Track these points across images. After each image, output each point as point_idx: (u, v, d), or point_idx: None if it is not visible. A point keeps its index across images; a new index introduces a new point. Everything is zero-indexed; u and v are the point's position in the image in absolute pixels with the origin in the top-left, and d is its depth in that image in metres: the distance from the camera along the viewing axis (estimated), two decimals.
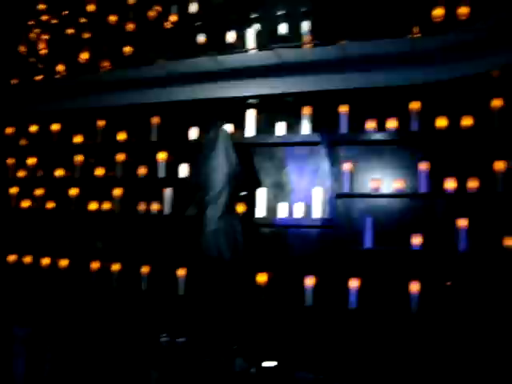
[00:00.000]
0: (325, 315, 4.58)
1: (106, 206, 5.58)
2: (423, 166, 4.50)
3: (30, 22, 6.21)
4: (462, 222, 4.30)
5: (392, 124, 4.63)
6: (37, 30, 6.13)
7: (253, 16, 5.12)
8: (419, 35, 4.38)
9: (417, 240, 4.40)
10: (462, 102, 4.54)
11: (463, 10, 4.42)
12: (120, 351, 4.70)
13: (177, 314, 5.02)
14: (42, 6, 6.17)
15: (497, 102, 4.36)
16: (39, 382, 4.57)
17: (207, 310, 4.61)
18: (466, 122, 4.42)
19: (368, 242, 4.54)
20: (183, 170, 5.29)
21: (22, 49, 6.19)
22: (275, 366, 4.23)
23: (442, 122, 4.49)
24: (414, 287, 4.33)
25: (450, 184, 4.39)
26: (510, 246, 4.13)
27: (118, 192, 5.55)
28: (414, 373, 4.23)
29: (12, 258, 5.95)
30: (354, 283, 4.50)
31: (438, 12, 4.47)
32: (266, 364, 4.24)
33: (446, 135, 4.51)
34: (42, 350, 4.65)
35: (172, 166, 5.36)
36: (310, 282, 4.64)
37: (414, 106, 4.60)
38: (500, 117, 4.34)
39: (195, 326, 4.72)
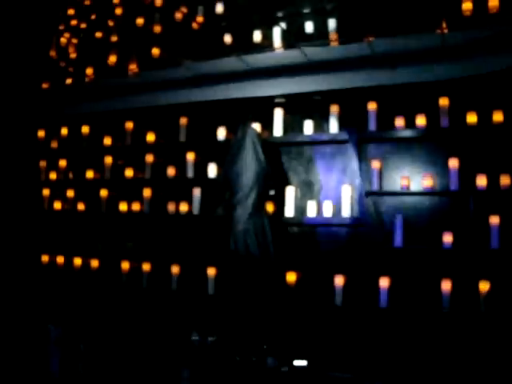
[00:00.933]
0: (355, 314, 4.55)
1: (136, 206, 5.64)
2: (453, 163, 4.44)
3: (60, 27, 6.31)
4: (494, 219, 4.23)
5: (421, 121, 4.58)
6: (66, 35, 6.24)
7: (278, 15, 5.12)
8: (447, 30, 4.31)
9: (448, 238, 4.35)
10: (492, 97, 4.47)
11: (493, 3, 4.33)
12: (152, 350, 4.74)
13: (207, 313, 5.04)
14: (71, 11, 6.28)
15: None
16: (74, 379, 4.64)
17: (237, 309, 4.62)
18: (497, 117, 4.35)
19: (398, 241, 4.50)
20: (212, 170, 5.31)
21: (53, 53, 6.29)
22: (306, 365, 4.22)
23: (471, 118, 4.43)
24: (446, 286, 4.28)
25: (481, 181, 4.33)
26: None
27: (147, 193, 5.61)
28: (445, 371, 4.17)
29: (45, 258, 6.06)
30: (384, 282, 4.46)
31: (467, 6, 4.40)
32: (297, 363, 4.24)
33: (476, 131, 4.45)
34: (75, 349, 4.73)
35: (201, 166, 5.40)
36: (339, 281, 4.61)
37: (443, 102, 4.54)
38: None
39: (225, 325, 4.73)
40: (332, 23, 4.84)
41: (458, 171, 4.42)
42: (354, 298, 4.59)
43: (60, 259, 5.97)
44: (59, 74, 6.24)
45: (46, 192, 6.27)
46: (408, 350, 4.33)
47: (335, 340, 4.57)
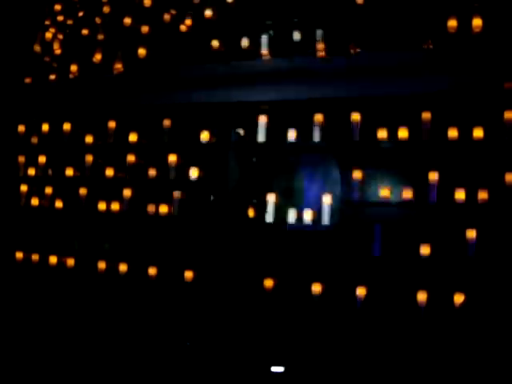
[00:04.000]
0: (331, 322, 4.58)
1: (115, 206, 5.60)
2: (433, 176, 4.51)
3: (46, 22, 6.25)
4: (471, 233, 4.31)
5: (403, 133, 4.65)
6: (52, 30, 6.18)
7: (267, 23, 5.15)
8: (431, 46, 4.40)
9: (425, 250, 4.41)
10: (474, 113, 4.56)
11: (477, 23, 4.44)
12: (125, 350, 4.72)
13: (182, 316, 5.02)
14: (58, 7, 6.23)
15: (509, 115, 4.37)
16: None
17: (214, 316, 4.62)
18: (477, 133, 4.44)
19: (376, 250, 4.55)
20: (194, 173, 5.31)
21: (37, 48, 6.23)
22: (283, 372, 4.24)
23: (452, 133, 4.51)
24: (421, 297, 4.33)
25: (460, 195, 4.41)
26: None
27: (127, 193, 5.57)
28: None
29: (19, 255, 5.97)
30: (361, 291, 4.51)
31: (452, 23, 4.50)
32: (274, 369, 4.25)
33: (457, 146, 4.53)
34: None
35: (182, 169, 5.39)
36: (316, 288, 4.64)
37: (426, 116, 4.61)
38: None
39: (200, 329, 4.72)
40: (319, 33, 4.89)
41: (438, 184, 4.49)
42: (331, 305, 4.62)
43: (35, 256, 5.89)
44: (43, 69, 6.18)
45: (23, 188, 6.17)
46: (384, 358, 4.37)
47: (310, 348, 4.59)
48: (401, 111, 4.76)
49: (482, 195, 4.32)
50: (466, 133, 4.46)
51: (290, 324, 4.69)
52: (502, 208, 4.28)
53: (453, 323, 4.23)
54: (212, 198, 4.73)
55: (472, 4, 4.48)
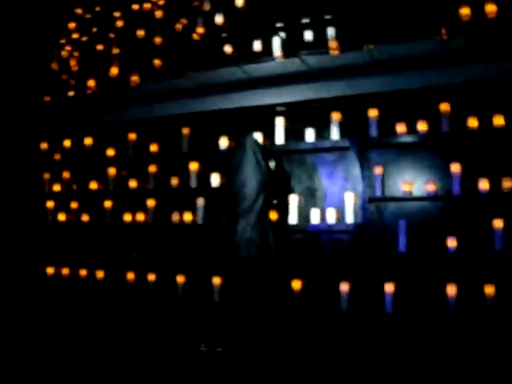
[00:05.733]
0: (361, 320, 4.56)
1: (140, 217, 5.66)
2: (455, 168, 4.46)
3: (61, 40, 6.35)
4: (498, 223, 4.25)
5: (422, 126, 4.61)
6: (68, 48, 6.28)
7: (278, 25, 5.14)
8: (446, 36, 4.34)
9: (452, 242, 4.37)
10: (493, 101, 4.50)
11: (491, 9, 4.36)
12: (160, 360, 4.76)
13: (213, 322, 5.05)
14: (72, 25, 6.32)
15: None
16: None
17: (243, 319, 4.63)
18: (498, 121, 4.38)
19: (402, 246, 4.51)
20: (215, 180, 5.34)
21: (54, 66, 6.33)
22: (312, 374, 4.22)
23: (473, 123, 4.46)
24: (451, 290, 4.29)
25: (484, 185, 4.35)
26: None
27: (151, 203, 5.64)
28: (452, 376, 4.17)
29: (50, 270, 6.08)
30: (389, 288, 4.48)
31: (465, 11, 4.41)
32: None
33: (478, 135, 4.48)
34: (83, 363, 4.74)
35: (204, 176, 5.43)
36: (344, 287, 4.63)
37: (444, 107, 4.57)
38: None
39: (232, 334, 4.73)
40: (331, 31, 4.86)
41: (460, 175, 4.44)
42: (360, 303, 4.60)
43: (65, 271, 5.99)
44: (61, 86, 6.27)
45: (49, 204, 6.29)
46: (415, 355, 4.33)
47: (343, 347, 4.57)
48: (419, 104, 4.73)
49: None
50: (485, 122, 4.41)
51: (319, 323, 4.68)
52: None
53: (483, 315, 4.18)
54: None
55: None
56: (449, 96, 4.60)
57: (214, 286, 5.10)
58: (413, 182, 4.63)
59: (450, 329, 4.27)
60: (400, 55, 4.56)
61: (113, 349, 5.01)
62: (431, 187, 4.52)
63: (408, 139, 4.66)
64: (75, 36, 6.30)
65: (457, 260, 4.41)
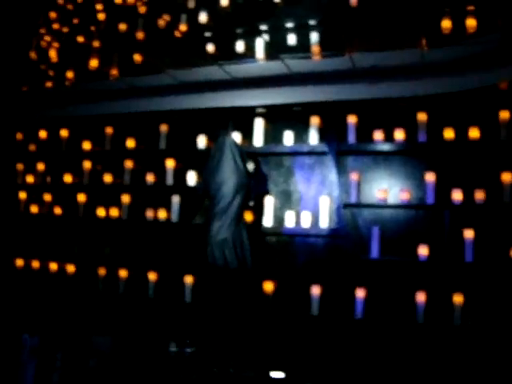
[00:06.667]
0: (331, 325, 4.60)
1: (114, 212, 5.61)
2: (430, 177, 4.54)
3: (41, 30, 6.26)
4: (469, 233, 4.33)
5: (399, 135, 4.67)
6: (48, 38, 6.18)
7: (262, 27, 5.14)
8: (426, 48, 4.40)
9: (423, 250, 4.44)
10: (469, 113, 4.58)
11: (471, 23, 4.43)
12: (129, 359, 4.71)
13: (184, 322, 5.03)
14: (53, 15, 6.23)
15: (504, 114, 4.40)
16: None
17: (214, 319, 4.62)
18: (473, 133, 4.47)
19: (374, 252, 4.57)
20: (191, 178, 5.33)
21: (33, 56, 6.24)
22: (284, 377, 4.23)
23: (449, 134, 4.54)
24: (421, 297, 4.35)
25: (457, 195, 4.43)
26: None
27: (126, 199, 5.60)
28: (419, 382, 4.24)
29: (20, 262, 5.99)
30: (360, 293, 4.52)
31: (446, 24, 4.49)
32: (274, 375, 4.24)
33: (453, 146, 4.56)
34: (50, 359, 4.67)
35: (180, 174, 5.41)
36: (316, 291, 4.66)
37: (422, 117, 4.64)
38: (507, 129, 4.38)
39: (203, 335, 4.72)
40: (315, 36, 4.88)
41: (435, 185, 4.51)
42: (331, 308, 4.64)
43: (35, 263, 5.90)
44: (39, 76, 6.18)
45: (22, 195, 6.20)
46: (383, 360, 4.38)
47: (311, 350, 4.60)
48: (397, 113, 4.79)
49: None
50: (461, 133, 4.49)
51: (289, 325, 4.70)
52: None
53: (451, 323, 4.25)
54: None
55: None
56: (427, 106, 4.66)
57: (186, 284, 5.09)
58: (388, 190, 4.69)
59: (418, 335, 4.33)
60: (381, 64, 4.61)
61: (81, 346, 4.95)
62: (406, 195, 4.58)
63: (385, 147, 4.71)
64: (56, 26, 6.21)
65: (427, 268, 4.48)
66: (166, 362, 4.42)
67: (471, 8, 4.45)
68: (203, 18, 5.29)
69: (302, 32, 4.96)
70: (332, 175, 4.86)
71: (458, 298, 4.28)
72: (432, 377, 4.21)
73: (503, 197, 4.31)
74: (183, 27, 5.38)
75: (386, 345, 4.40)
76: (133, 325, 5.23)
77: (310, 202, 4.96)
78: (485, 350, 4.14)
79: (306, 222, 4.84)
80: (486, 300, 4.29)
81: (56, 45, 6.11)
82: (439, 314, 4.35)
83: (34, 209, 6.11)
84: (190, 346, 4.52)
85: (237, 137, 5.11)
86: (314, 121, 4.99)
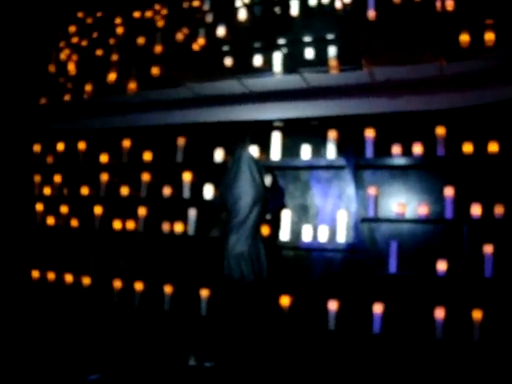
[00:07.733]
0: (348, 339, 4.56)
1: (131, 225, 5.63)
2: (449, 192, 4.50)
3: (60, 44, 6.34)
4: (488, 248, 4.29)
5: (418, 149, 4.65)
6: (67, 51, 6.26)
7: (280, 40, 5.17)
8: (445, 62, 4.39)
9: (442, 266, 4.40)
10: (488, 127, 4.55)
11: (489, 37, 4.43)
12: (146, 374, 4.68)
13: (201, 335, 5.00)
14: (72, 28, 6.32)
15: None
16: None
17: (230, 332, 4.59)
18: (492, 147, 4.44)
19: (392, 267, 4.53)
20: (208, 191, 5.33)
21: (52, 69, 6.31)
22: None
23: (467, 148, 4.51)
24: (439, 313, 4.31)
25: (476, 210, 4.39)
26: None
27: (142, 211, 5.61)
28: None
29: (36, 274, 6.01)
30: (378, 308, 4.49)
31: (465, 38, 4.48)
32: None
33: (472, 161, 4.53)
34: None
35: (197, 187, 5.41)
36: (333, 305, 4.63)
37: (440, 131, 4.61)
38: None
39: (221, 349, 4.68)
40: (332, 50, 4.90)
41: (454, 200, 4.48)
42: (348, 323, 4.60)
43: (51, 275, 5.93)
44: (58, 89, 6.25)
45: (39, 207, 6.24)
46: (401, 377, 4.33)
47: (328, 365, 4.56)
48: (416, 127, 4.78)
49: None
50: (480, 148, 4.47)
51: (306, 340, 4.66)
52: None
53: (470, 339, 4.20)
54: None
55: None
56: (445, 120, 4.64)
57: (202, 297, 5.08)
58: (406, 204, 4.66)
59: (437, 351, 4.28)
60: (399, 78, 4.59)
61: (96, 360, 4.93)
62: (424, 210, 4.55)
63: (403, 161, 4.69)
64: (75, 40, 6.29)
65: (446, 284, 4.44)
66: (186, 377, 4.39)
67: (490, 22, 4.44)
68: (221, 31, 5.34)
69: (320, 46, 4.99)
70: (349, 189, 4.84)
71: (477, 314, 4.23)
72: None
73: None
74: (201, 41, 5.43)
75: (403, 361, 4.35)
76: (149, 338, 5.21)
77: (328, 217, 4.94)
78: (504, 367, 4.07)
79: (323, 237, 4.82)
80: (506, 316, 4.23)
81: (75, 58, 6.18)
82: (458, 330, 4.30)
83: (50, 221, 6.14)
84: (209, 361, 4.48)
85: (254, 150, 5.12)
86: (332, 135, 4.98)
